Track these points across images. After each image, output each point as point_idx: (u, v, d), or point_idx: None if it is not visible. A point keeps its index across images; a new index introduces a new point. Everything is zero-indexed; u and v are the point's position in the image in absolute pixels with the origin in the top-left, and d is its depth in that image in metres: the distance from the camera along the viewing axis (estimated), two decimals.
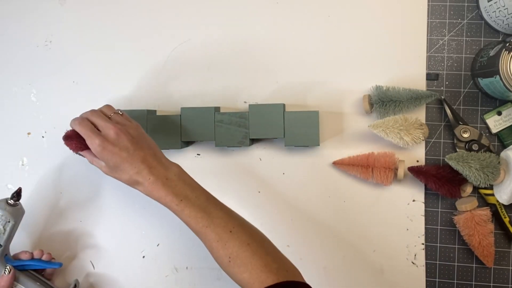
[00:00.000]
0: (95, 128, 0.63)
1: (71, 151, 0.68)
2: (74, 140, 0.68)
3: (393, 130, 0.68)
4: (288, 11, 0.77)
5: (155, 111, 0.77)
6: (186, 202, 0.61)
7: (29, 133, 0.81)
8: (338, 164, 0.74)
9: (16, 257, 0.70)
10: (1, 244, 0.67)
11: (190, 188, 0.62)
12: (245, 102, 0.77)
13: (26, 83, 0.81)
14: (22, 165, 0.81)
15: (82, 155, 0.67)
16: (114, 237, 0.78)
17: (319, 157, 0.75)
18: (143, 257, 0.78)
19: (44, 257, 0.71)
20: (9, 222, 0.67)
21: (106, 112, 0.65)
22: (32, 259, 0.70)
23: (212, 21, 0.78)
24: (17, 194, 0.68)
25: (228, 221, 0.60)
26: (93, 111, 0.65)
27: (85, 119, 0.63)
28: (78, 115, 0.65)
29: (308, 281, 0.58)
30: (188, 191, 0.62)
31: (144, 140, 0.64)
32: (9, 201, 0.67)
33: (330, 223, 0.75)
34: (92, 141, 0.61)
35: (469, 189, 0.70)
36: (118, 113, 0.66)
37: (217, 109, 0.75)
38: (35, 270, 0.71)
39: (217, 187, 0.76)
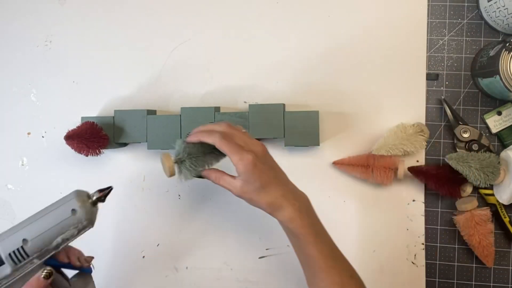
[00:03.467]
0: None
1: (72, 150, 0.68)
2: (75, 140, 0.68)
3: (397, 147, 0.68)
4: (288, 11, 0.77)
5: (155, 111, 0.77)
6: (320, 236, 0.56)
7: (29, 133, 0.81)
8: (338, 164, 0.74)
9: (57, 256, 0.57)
10: (59, 249, 0.54)
11: (319, 222, 0.58)
12: (245, 102, 0.77)
13: (26, 83, 0.81)
14: (22, 165, 0.81)
15: (204, 177, 0.59)
16: (114, 237, 0.78)
17: (319, 157, 0.75)
18: (143, 257, 0.78)
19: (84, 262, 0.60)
20: (86, 227, 0.53)
21: (238, 128, 0.58)
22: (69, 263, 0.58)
23: (212, 21, 0.78)
24: (107, 194, 0.55)
25: (348, 265, 0.58)
26: (226, 125, 0.57)
27: (226, 133, 0.55)
28: (204, 127, 0.58)
29: None
30: (318, 226, 0.57)
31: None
32: (93, 198, 0.53)
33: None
34: (243, 157, 0.53)
35: (469, 189, 0.70)
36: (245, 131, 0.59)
37: (217, 109, 0.74)
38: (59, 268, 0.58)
39: (217, 187, 0.77)
